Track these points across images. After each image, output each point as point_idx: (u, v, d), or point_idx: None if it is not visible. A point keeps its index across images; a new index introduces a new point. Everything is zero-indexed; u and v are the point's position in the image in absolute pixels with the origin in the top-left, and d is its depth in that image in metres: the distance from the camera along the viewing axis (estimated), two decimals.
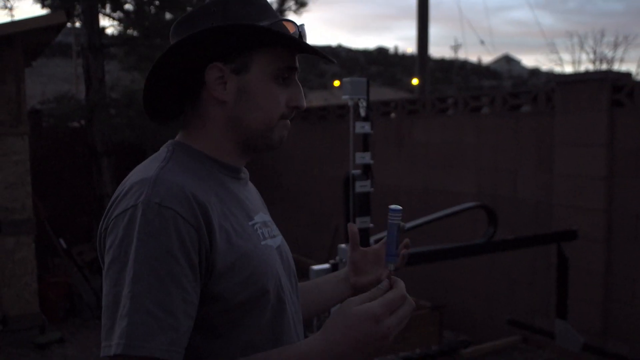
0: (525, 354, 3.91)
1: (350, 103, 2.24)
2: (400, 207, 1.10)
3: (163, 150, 1.18)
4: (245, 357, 1.06)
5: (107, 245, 1.04)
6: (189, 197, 1.03)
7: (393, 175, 6.56)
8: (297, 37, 1.17)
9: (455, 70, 49.16)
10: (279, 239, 1.29)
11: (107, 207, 1.09)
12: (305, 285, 1.47)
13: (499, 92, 5.49)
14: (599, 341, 4.30)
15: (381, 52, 78.65)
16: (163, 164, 1.11)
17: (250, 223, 1.18)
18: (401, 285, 1.07)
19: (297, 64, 1.21)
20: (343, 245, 2.38)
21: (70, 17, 5.94)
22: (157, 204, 1.00)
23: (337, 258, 2.41)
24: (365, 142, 2.32)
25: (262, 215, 1.25)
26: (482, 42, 50.92)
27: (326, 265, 2.45)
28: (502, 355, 3.92)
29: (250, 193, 1.29)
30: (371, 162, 2.29)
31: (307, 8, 8.16)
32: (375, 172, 6.71)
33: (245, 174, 1.29)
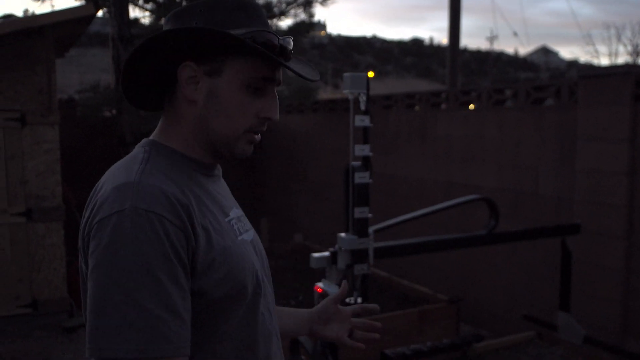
0: (539, 349, 3.89)
1: (350, 97, 2.28)
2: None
3: (139, 151, 1.19)
4: None
5: (90, 249, 1.05)
6: (172, 201, 1.06)
7: (417, 168, 6.55)
8: (276, 49, 1.16)
9: (491, 62, 48.46)
10: (252, 233, 1.31)
11: (86, 210, 1.11)
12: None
13: (521, 85, 5.43)
14: (617, 339, 4.24)
15: (416, 43, 77.99)
16: (142, 166, 1.12)
17: (226, 219, 1.20)
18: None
19: (277, 76, 1.20)
20: (342, 234, 2.43)
21: (99, 9, 6.07)
22: (144, 210, 1.02)
23: (337, 246, 2.46)
24: (365, 135, 2.36)
25: (236, 211, 1.28)
26: (515, 34, 50.08)
27: (326, 253, 2.51)
28: (516, 350, 3.91)
29: (222, 188, 1.31)
30: (370, 154, 2.33)
31: (333, 0, 8.17)
32: (399, 166, 6.73)
33: (218, 170, 1.31)
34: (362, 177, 2.35)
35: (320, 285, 2.27)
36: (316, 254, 2.50)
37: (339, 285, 2.36)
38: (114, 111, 8.24)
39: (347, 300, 2.31)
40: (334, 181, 7.93)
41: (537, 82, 5.66)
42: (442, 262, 6.14)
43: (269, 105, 1.19)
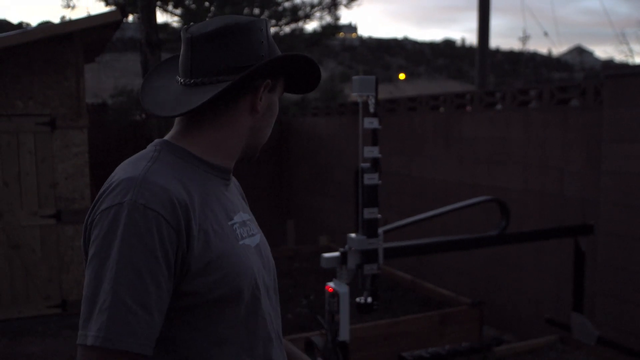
0: (561, 354, 3.82)
1: (359, 100, 2.30)
2: None
3: (150, 150, 1.22)
4: None
5: (92, 238, 1.10)
6: (173, 200, 1.09)
7: (442, 170, 6.51)
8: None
9: (524, 63, 47.77)
10: (258, 237, 1.32)
11: (94, 200, 1.15)
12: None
13: (546, 85, 5.35)
14: None
15: (448, 44, 77.37)
16: (150, 164, 1.15)
17: (229, 223, 1.22)
18: None
19: None
20: (352, 235, 2.45)
21: (127, 15, 6.19)
22: (142, 205, 1.06)
23: (347, 246, 2.49)
24: (374, 137, 2.37)
25: (242, 215, 1.30)
26: (546, 34, 49.27)
27: (336, 254, 2.53)
28: (537, 354, 3.85)
29: (232, 193, 1.33)
30: (379, 155, 2.35)
31: (358, 2, 8.20)
32: (425, 168, 6.69)
33: (229, 174, 1.33)
34: (371, 179, 2.37)
35: (331, 285, 2.29)
36: (326, 254, 2.53)
37: (349, 284, 2.38)
38: (143, 115, 8.40)
39: (358, 300, 2.33)
40: None
41: (561, 83, 5.58)
42: (468, 265, 6.09)
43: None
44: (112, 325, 1.02)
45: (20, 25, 42.66)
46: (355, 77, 2.23)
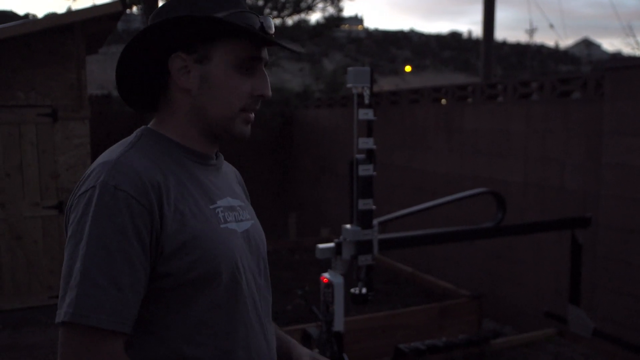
0: (559, 347, 3.82)
1: (354, 91, 2.30)
2: None
3: (132, 136, 1.25)
4: None
5: (70, 220, 1.13)
6: (143, 180, 1.11)
7: (444, 163, 6.50)
8: (258, 28, 1.21)
9: (531, 55, 47.49)
10: (248, 224, 1.32)
11: (75, 186, 1.18)
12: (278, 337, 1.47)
13: (547, 78, 5.33)
14: None
15: (454, 36, 77.02)
16: (127, 149, 1.18)
17: (211, 207, 1.22)
18: None
19: (264, 55, 1.24)
20: (347, 226, 2.46)
21: (128, 6, 6.18)
22: (113, 186, 1.08)
23: (342, 237, 2.50)
24: (369, 128, 2.38)
25: (230, 200, 1.30)
26: (551, 26, 48.95)
27: (331, 244, 2.55)
28: (535, 347, 3.85)
29: (220, 179, 1.33)
30: (374, 147, 2.35)
31: None
32: (427, 160, 6.69)
33: (216, 160, 1.33)
34: (365, 170, 2.37)
35: (326, 276, 2.30)
36: (321, 245, 2.54)
37: (344, 275, 2.39)
38: None
39: (352, 290, 2.34)
40: None
41: (562, 75, 5.56)
42: (468, 258, 6.09)
43: (261, 83, 1.24)
44: (80, 301, 1.03)
45: (26, 16, 42.68)
46: (350, 69, 2.23)
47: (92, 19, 5.47)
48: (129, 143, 1.21)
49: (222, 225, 1.22)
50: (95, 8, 5.45)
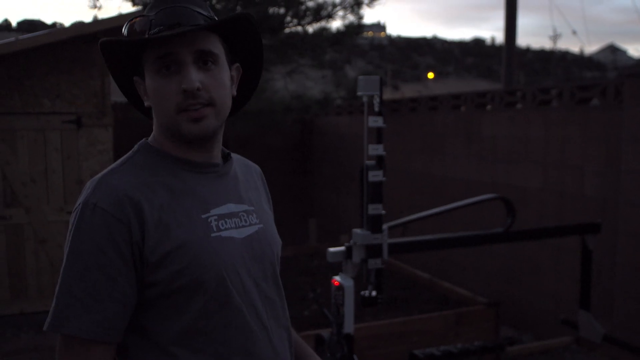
0: (575, 355, 3.80)
1: (364, 99, 2.35)
2: None
3: (130, 151, 1.31)
4: None
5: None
6: (121, 198, 1.16)
7: (462, 169, 6.50)
8: (148, 29, 1.19)
9: (555, 61, 47.02)
10: (253, 229, 1.32)
11: None
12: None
13: (566, 84, 5.31)
14: None
15: (477, 43, 76.62)
16: (117, 166, 1.25)
17: (203, 216, 1.23)
18: None
19: (172, 50, 1.18)
20: (357, 230, 2.51)
21: None
22: (93, 204, 1.16)
23: (352, 241, 2.54)
24: (379, 135, 2.42)
25: (231, 206, 1.29)
26: (574, 32, 48.57)
27: (341, 248, 2.59)
28: (551, 355, 3.83)
29: (223, 185, 1.32)
30: (383, 153, 2.39)
31: (381, 1, 8.21)
32: (446, 167, 6.69)
33: (217, 167, 1.31)
34: (375, 176, 2.42)
35: (337, 279, 2.34)
36: (332, 249, 2.59)
37: (354, 278, 2.43)
38: None
39: (362, 293, 2.37)
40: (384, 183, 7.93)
41: (582, 82, 5.53)
42: (487, 265, 6.07)
43: (182, 77, 1.19)
44: (58, 311, 1.12)
45: (53, 25, 43.52)
46: (360, 77, 2.28)
47: (116, 28, 5.59)
48: (124, 159, 1.27)
49: (213, 234, 1.22)
50: (118, 18, 5.58)
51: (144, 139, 1.33)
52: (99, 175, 1.22)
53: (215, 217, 1.25)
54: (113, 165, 1.26)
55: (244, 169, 1.44)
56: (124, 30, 1.24)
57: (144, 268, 1.17)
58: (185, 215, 1.21)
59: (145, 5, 7.44)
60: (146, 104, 1.28)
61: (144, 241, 1.16)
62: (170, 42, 1.18)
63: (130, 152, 1.30)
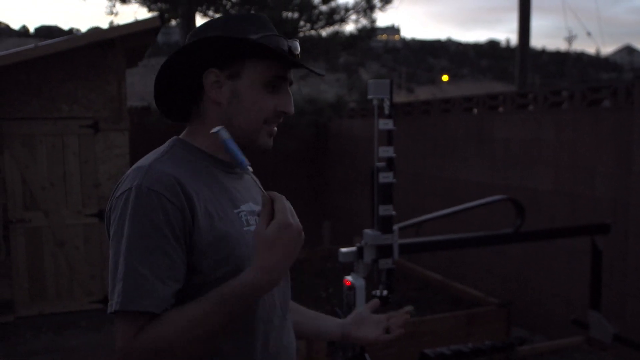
0: (586, 355, 3.82)
1: (375, 102, 2.40)
2: (220, 127, 1.23)
3: (164, 145, 1.38)
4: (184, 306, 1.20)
5: (111, 221, 1.26)
6: (174, 183, 1.22)
7: (474, 172, 6.53)
8: (285, 51, 1.32)
9: (571, 63, 46.68)
10: None
11: (113, 189, 1.31)
12: (307, 311, 1.68)
13: (578, 86, 5.33)
14: None
15: (492, 45, 76.24)
16: (159, 156, 1.31)
17: (235, 211, 1.33)
18: (276, 194, 1.21)
19: (289, 75, 1.35)
20: (368, 231, 2.56)
21: (166, 21, 6.40)
22: (147, 187, 1.21)
23: (363, 242, 2.60)
24: (389, 137, 2.47)
25: (251, 205, 1.40)
26: (589, 34, 48.29)
27: (353, 248, 2.65)
28: (561, 355, 3.85)
29: (243, 186, 1.43)
30: (394, 155, 2.45)
31: (392, 5, 8.26)
32: (458, 169, 6.72)
33: (238, 169, 1.41)
34: (385, 177, 2.48)
35: (348, 279, 2.39)
36: (344, 249, 2.65)
37: (365, 278, 2.48)
38: None
39: (373, 292, 2.42)
40: (397, 185, 7.98)
41: (592, 83, 5.54)
42: (499, 266, 6.09)
43: (285, 101, 1.35)
44: (128, 290, 1.16)
45: (70, 31, 44.02)
46: (370, 81, 2.34)
47: (132, 34, 5.70)
48: (162, 151, 1.33)
49: (245, 228, 1.32)
50: (135, 24, 5.68)
51: (175, 137, 1.40)
52: (144, 162, 1.28)
53: (245, 213, 1.35)
54: (152, 155, 1.32)
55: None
56: (225, 33, 1.31)
57: (190, 254, 1.23)
58: (222, 209, 1.30)
59: (162, 13, 7.54)
60: (217, 98, 1.33)
61: (194, 226, 1.23)
62: (288, 70, 1.35)
63: (165, 146, 1.36)
